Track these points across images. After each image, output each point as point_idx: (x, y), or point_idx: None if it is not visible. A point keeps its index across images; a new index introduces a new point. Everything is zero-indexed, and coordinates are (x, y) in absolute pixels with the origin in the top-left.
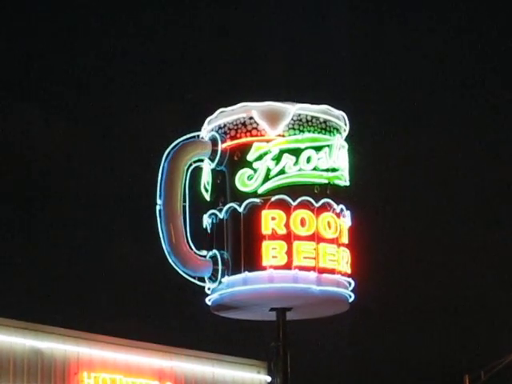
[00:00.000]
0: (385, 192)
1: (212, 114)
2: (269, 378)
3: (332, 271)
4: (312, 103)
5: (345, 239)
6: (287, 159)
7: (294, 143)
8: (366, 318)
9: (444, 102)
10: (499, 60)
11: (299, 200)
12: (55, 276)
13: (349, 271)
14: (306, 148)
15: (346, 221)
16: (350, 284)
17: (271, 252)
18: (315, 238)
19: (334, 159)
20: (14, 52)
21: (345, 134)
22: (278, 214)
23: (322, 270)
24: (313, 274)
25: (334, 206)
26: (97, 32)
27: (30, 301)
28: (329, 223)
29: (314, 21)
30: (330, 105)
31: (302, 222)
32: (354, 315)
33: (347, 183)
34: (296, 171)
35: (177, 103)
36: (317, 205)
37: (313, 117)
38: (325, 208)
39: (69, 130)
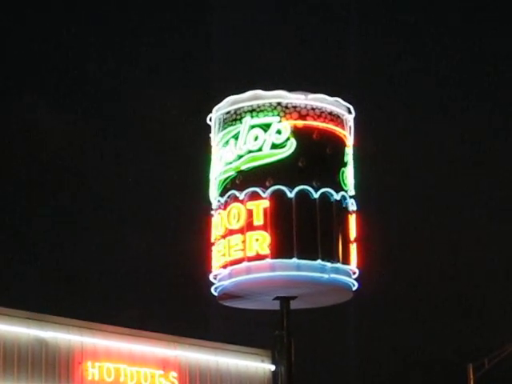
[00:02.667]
0: (389, 189)
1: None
2: (273, 367)
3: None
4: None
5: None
6: (352, 171)
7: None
8: (370, 308)
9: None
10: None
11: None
12: (59, 266)
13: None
14: None
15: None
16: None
17: (354, 254)
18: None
19: (240, 145)
20: (22, 45)
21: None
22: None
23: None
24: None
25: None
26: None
27: (34, 291)
28: None
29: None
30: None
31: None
32: (357, 304)
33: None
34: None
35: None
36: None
37: None
38: None
39: (75, 122)
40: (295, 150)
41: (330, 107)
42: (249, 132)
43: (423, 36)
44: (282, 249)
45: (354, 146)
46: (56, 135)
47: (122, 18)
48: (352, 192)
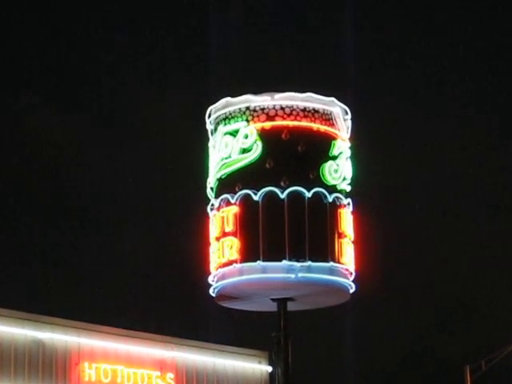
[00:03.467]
0: (387, 187)
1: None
2: (270, 368)
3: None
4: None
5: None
6: (349, 164)
7: (350, 150)
8: (368, 309)
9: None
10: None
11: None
12: (56, 267)
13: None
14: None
15: None
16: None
17: (347, 249)
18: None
19: (216, 154)
20: (20, 44)
21: None
22: (349, 213)
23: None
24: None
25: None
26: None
27: (31, 291)
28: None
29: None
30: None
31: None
32: (355, 305)
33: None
34: (349, 178)
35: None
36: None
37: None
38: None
39: (73, 121)
40: (262, 152)
41: (302, 104)
42: (221, 140)
43: (424, 36)
44: (248, 253)
45: (355, 144)
46: (54, 135)
47: (121, 17)
48: (344, 186)
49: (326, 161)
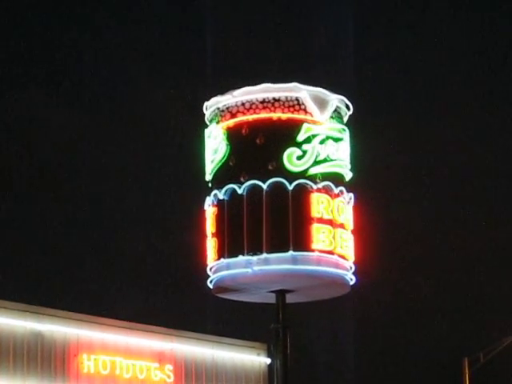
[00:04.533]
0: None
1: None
2: (268, 360)
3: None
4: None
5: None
6: (331, 146)
7: (335, 131)
8: (366, 301)
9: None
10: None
11: (339, 189)
12: (56, 259)
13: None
14: (340, 139)
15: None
16: (351, 268)
17: (321, 236)
18: (345, 226)
19: (348, 151)
20: (21, 41)
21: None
22: (326, 198)
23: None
24: (348, 263)
25: (352, 197)
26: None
27: (30, 283)
28: (350, 214)
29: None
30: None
31: (340, 210)
32: (354, 298)
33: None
34: (336, 159)
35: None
36: (347, 195)
37: (341, 108)
38: (350, 199)
39: (75, 116)
40: (226, 150)
41: (261, 96)
42: (207, 143)
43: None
44: (218, 252)
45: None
46: (54, 132)
47: (120, 15)
48: (321, 169)
49: (288, 148)
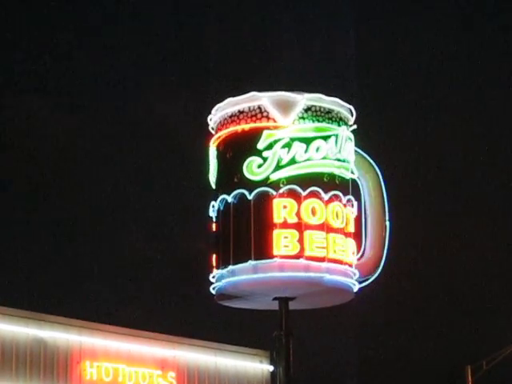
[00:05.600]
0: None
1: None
2: (271, 368)
3: (340, 262)
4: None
5: (351, 229)
6: (298, 147)
7: (303, 132)
8: (369, 309)
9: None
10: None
11: (309, 190)
12: (58, 265)
13: (354, 262)
14: (316, 137)
15: (353, 211)
16: (354, 274)
17: (283, 241)
18: (325, 227)
19: (339, 149)
20: (22, 43)
21: (351, 128)
22: (290, 202)
23: (332, 260)
24: (325, 264)
25: (341, 196)
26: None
27: (32, 290)
28: (337, 213)
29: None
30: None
31: (313, 212)
32: (356, 305)
33: (354, 176)
34: (306, 160)
35: (187, 92)
36: (326, 195)
37: (321, 107)
38: (333, 198)
39: (73, 120)
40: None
41: (230, 110)
42: (345, 142)
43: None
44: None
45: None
46: (55, 135)
47: (120, 17)
48: (284, 173)
49: (248, 158)
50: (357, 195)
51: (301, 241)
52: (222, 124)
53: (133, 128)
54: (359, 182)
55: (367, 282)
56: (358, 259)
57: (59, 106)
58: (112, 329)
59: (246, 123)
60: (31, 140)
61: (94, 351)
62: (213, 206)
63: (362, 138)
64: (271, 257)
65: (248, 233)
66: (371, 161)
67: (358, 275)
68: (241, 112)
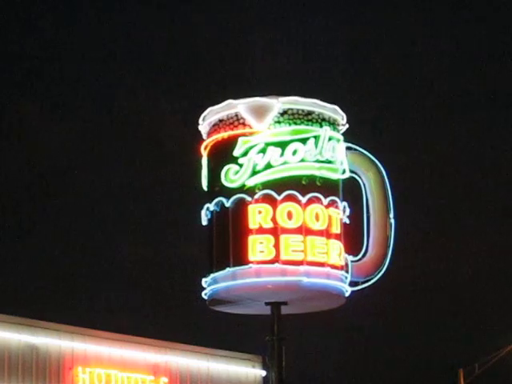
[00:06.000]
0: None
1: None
2: (264, 372)
3: (321, 264)
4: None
5: (336, 230)
6: (273, 152)
7: (279, 136)
8: (362, 313)
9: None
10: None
11: (285, 194)
12: (50, 272)
13: (341, 263)
14: (292, 141)
15: (339, 212)
16: (345, 278)
17: (258, 247)
18: (303, 230)
19: (320, 151)
20: (20, 51)
21: (342, 128)
22: (265, 207)
23: (311, 263)
24: (303, 267)
25: (322, 198)
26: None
27: (24, 296)
28: (317, 215)
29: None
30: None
31: (289, 215)
32: (349, 309)
33: (342, 176)
34: (281, 164)
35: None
36: (304, 198)
37: (298, 109)
38: (312, 200)
39: (71, 124)
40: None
41: (212, 120)
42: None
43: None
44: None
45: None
46: (50, 139)
47: (119, 20)
48: (258, 179)
49: (227, 163)
50: (355, 194)
51: (276, 245)
52: (208, 133)
53: (127, 133)
54: (360, 181)
55: (369, 283)
56: (359, 259)
57: (53, 111)
58: (104, 334)
59: (225, 131)
60: (30, 148)
61: (86, 357)
62: (205, 214)
63: (361, 136)
64: (247, 263)
65: (227, 240)
66: (372, 158)
67: (348, 277)
68: (220, 120)
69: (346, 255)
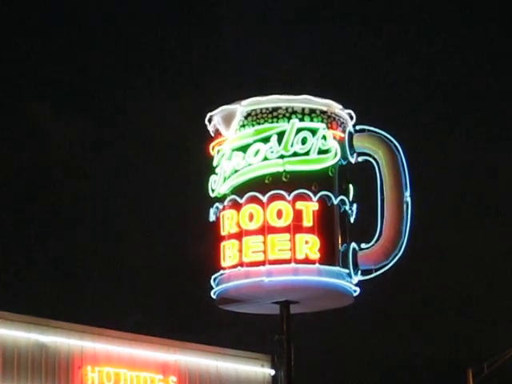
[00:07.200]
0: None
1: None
2: (273, 372)
3: (284, 261)
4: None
5: (307, 223)
6: (237, 157)
7: (242, 139)
8: (370, 312)
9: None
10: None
11: (246, 196)
12: (60, 271)
13: (315, 256)
14: (255, 141)
15: (313, 203)
16: (318, 270)
17: (227, 252)
18: (265, 230)
19: (285, 145)
20: (25, 51)
21: (333, 115)
22: (231, 213)
23: (272, 262)
24: (264, 267)
25: (284, 193)
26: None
27: (34, 295)
28: (278, 212)
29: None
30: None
31: (250, 217)
32: (357, 308)
33: (325, 164)
34: (245, 167)
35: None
36: (264, 197)
37: (262, 109)
38: (274, 198)
39: (77, 126)
40: None
41: (211, 129)
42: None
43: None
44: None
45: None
46: (58, 140)
47: (121, 23)
48: (225, 187)
49: (210, 178)
50: (371, 178)
51: (240, 249)
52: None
53: (135, 134)
54: (374, 162)
55: (383, 270)
56: (370, 247)
57: (60, 110)
58: (113, 333)
59: (210, 144)
60: (37, 148)
61: (95, 356)
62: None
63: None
64: (219, 269)
65: (214, 248)
66: (381, 134)
67: (340, 268)
68: (210, 134)
69: (345, 245)
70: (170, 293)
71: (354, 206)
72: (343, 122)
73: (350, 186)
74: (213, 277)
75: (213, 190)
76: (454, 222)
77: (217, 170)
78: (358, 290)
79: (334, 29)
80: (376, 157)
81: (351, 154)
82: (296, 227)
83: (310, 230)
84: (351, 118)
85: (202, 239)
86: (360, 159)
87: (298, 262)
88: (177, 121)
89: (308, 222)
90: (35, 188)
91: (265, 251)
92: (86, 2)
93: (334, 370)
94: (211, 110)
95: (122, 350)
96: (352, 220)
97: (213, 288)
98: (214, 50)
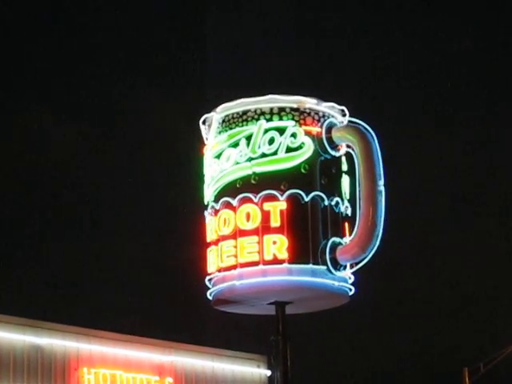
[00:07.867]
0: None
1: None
2: (269, 372)
3: (253, 263)
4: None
5: (275, 223)
6: (213, 164)
7: (218, 146)
8: (366, 312)
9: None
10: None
11: (220, 202)
12: (54, 272)
13: (284, 257)
14: (228, 147)
15: (280, 203)
16: (288, 269)
17: (209, 259)
18: (236, 234)
19: (252, 147)
20: (21, 52)
21: (308, 110)
22: (211, 220)
23: (243, 265)
24: (236, 271)
25: (251, 196)
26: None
27: (29, 297)
28: (247, 214)
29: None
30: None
31: (225, 223)
32: (353, 308)
33: (294, 162)
34: (219, 173)
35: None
36: (235, 200)
37: (233, 113)
38: (243, 201)
39: (73, 125)
40: None
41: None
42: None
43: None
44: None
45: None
46: (53, 140)
47: (120, 23)
48: (207, 195)
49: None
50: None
51: (218, 255)
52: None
53: (131, 136)
54: (353, 155)
55: (359, 266)
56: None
57: (55, 109)
58: (109, 335)
59: (202, 153)
60: (28, 143)
61: (91, 358)
62: None
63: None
64: (207, 275)
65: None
66: (359, 124)
67: (311, 266)
68: (203, 143)
69: (325, 241)
70: (166, 294)
71: (345, 199)
72: (323, 117)
73: (342, 180)
74: (206, 279)
75: (201, 199)
76: (454, 221)
77: (205, 178)
78: (345, 286)
79: (334, 28)
80: (354, 147)
81: (332, 148)
82: (264, 228)
83: (278, 230)
84: (344, 114)
85: (197, 241)
86: (342, 152)
87: (266, 263)
88: (177, 121)
89: (275, 222)
90: (29, 187)
91: (236, 255)
92: (85, 2)
93: (330, 370)
94: (210, 111)
95: (117, 352)
96: (349, 214)
97: (209, 289)
98: (214, 50)
